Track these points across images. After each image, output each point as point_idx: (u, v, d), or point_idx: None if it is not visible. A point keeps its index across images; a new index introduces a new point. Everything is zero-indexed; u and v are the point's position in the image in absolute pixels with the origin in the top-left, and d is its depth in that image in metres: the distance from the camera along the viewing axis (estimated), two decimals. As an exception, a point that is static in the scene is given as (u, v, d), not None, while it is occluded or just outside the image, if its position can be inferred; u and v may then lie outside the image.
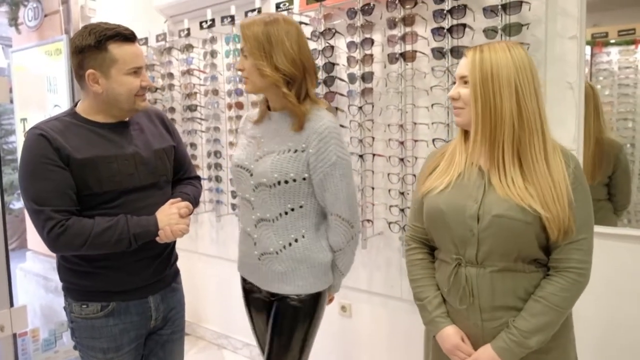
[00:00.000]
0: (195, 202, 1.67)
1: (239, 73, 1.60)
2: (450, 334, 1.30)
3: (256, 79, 1.45)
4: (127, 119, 1.56)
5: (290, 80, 1.44)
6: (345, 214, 1.50)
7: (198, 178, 1.80)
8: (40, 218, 1.36)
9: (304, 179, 1.47)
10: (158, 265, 1.58)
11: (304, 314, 1.56)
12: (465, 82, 1.25)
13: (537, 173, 1.20)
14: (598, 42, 1.88)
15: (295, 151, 1.46)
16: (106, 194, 1.44)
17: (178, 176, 1.71)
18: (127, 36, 1.44)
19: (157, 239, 1.48)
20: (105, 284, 1.49)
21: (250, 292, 1.69)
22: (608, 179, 2.00)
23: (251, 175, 1.52)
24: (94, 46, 1.40)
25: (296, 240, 1.52)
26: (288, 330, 1.55)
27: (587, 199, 1.23)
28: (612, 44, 2.75)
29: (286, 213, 1.50)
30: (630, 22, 2.88)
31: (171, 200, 1.56)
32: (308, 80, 1.48)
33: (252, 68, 1.44)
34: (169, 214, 1.50)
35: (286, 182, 1.46)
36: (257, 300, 1.67)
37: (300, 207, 1.50)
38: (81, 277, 1.49)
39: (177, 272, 1.71)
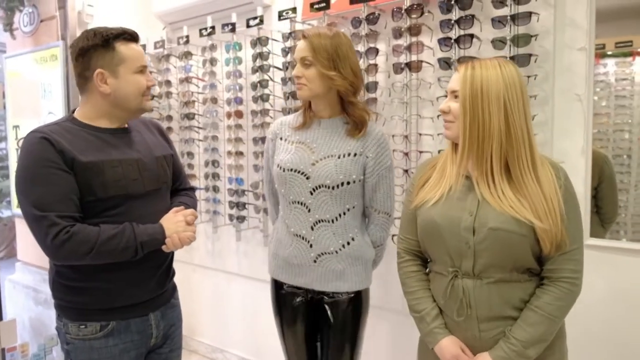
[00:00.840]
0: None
1: (294, 80, 1.64)
2: (450, 344, 1.32)
3: (317, 86, 1.55)
4: (127, 124, 1.52)
5: (354, 90, 1.58)
6: (391, 211, 1.68)
7: (193, 189, 1.77)
8: (43, 224, 1.29)
9: (360, 180, 1.59)
10: (159, 277, 1.52)
11: (362, 309, 1.67)
12: (456, 97, 1.28)
13: (526, 186, 1.23)
14: (595, 53, 1.86)
15: (355, 155, 1.58)
16: (110, 200, 1.39)
17: (174, 187, 1.67)
18: (132, 35, 1.44)
19: (164, 247, 1.44)
20: (106, 299, 1.42)
21: (287, 297, 1.69)
22: (594, 190, 1.98)
23: (308, 178, 1.58)
24: (101, 45, 1.38)
25: (353, 239, 1.62)
26: (349, 327, 1.64)
27: (576, 209, 1.27)
28: (609, 56, 2.74)
29: (344, 213, 1.60)
30: (628, 34, 2.88)
31: (175, 208, 1.52)
32: (361, 91, 1.64)
33: (315, 76, 1.54)
34: (175, 221, 1.46)
35: (348, 183, 1.57)
36: (297, 308, 1.68)
37: (354, 207, 1.62)
38: (79, 293, 1.42)
39: (175, 287, 1.67)
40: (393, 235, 2.11)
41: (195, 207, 1.67)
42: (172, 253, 1.58)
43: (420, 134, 2.05)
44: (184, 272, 3.17)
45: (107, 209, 1.39)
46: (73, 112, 1.48)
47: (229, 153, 2.74)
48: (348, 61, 1.55)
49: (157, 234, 1.42)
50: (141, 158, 1.48)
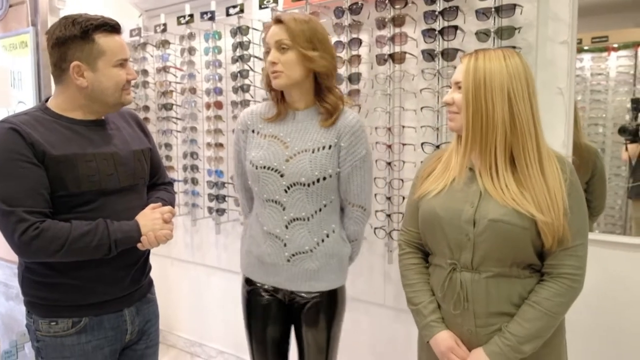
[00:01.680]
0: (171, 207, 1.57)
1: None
2: (445, 338, 1.30)
3: (295, 72, 1.45)
4: (103, 117, 1.45)
5: (330, 75, 1.49)
6: (367, 205, 1.59)
7: (171, 184, 1.71)
8: (11, 220, 1.23)
9: (337, 173, 1.52)
10: (134, 274, 1.48)
11: (338, 307, 1.61)
12: (460, 88, 1.27)
13: (531, 178, 1.21)
14: (572, 48, 1.88)
15: (330, 147, 1.49)
16: (83, 195, 1.33)
17: (152, 181, 1.62)
18: (113, 26, 1.36)
19: (139, 245, 1.38)
20: (78, 296, 1.37)
21: (257, 296, 1.62)
22: (585, 184, 2.01)
23: (282, 176, 1.50)
24: (79, 37, 1.31)
25: (327, 236, 1.55)
26: (324, 326, 1.58)
27: (582, 205, 1.24)
28: (585, 51, 2.77)
29: (320, 210, 1.52)
30: (604, 30, 2.92)
31: (152, 205, 1.46)
32: (335, 78, 1.55)
33: (293, 61, 1.43)
34: (152, 218, 1.41)
35: (324, 178, 1.49)
36: (267, 308, 1.61)
37: (331, 202, 1.55)
38: (50, 289, 1.36)
39: (151, 282, 1.62)
40: (376, 229, 2.11)
41: (173, 202, 1.62)
42: (149, 249, 1.53)
43: (403, 127, 2.04)
44: (162, 266, 3.11)
45: (80, 204, 1.34)
46: (46, 100, 1.41)
47: (209, 145, 2.68)
48: (327, 44, 1.48)
49: (132, 232, 1.37)
50: (117, 152, 1.42)
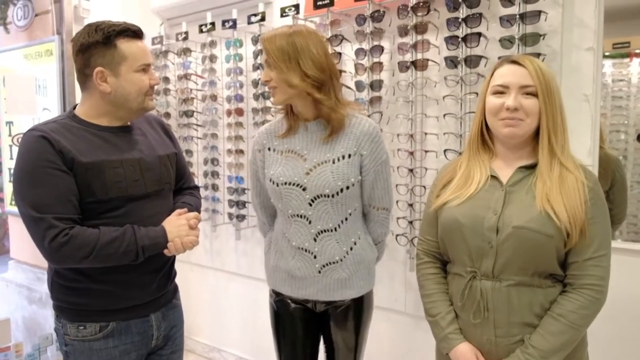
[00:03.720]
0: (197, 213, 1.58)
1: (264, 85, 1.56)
2: (465, 352, 1.28)
3: (285, 89, 1.44)
4: (129, 122, 1.48)
5: (320, 85, 1.44)
6: (390, 205, 1.61)
7: (197, 188, 1.72)
8: (41, 227, 1.26)
9: (358, 181, 1.51)
10: (161, 279, 1.49)
11: (365, 311, 1.62)
12: (527, 93, 1.22)
13: (566, 181, 1.21)
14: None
15: (350, 156, 1.48)
16: (111, 201, 1.35)
17: (178, 185, 1.63)
18: (135, 32, 1.38)
19: (166, 251, 1.40)
20: (106, 301, 1.39)
21: (285, 305, 1.63)
22: (606, 193, 1.99)
23: (304, 189, 1.49)
24: (102, 42, 1.33)
25: (355, 243, 1.55)
26: (352, 330, 1.59)
27: (605, 215, 1.23)
28: (607, 57, 2.74)
29: (346, 219, 1.53)
30: (625, 35, 2.89)
31: (178, 211, 1.48)
32: (336, 85, 1.50)
33: (278, 79, 1.44)
34: (178, 225, 1.42)
35: (347, 187, 1.48)
36: (298, 314, 1.62)
37: (355, 210, 1.55)
38: (79, 294, 1.38)
39: (176, 288, 1.63)
40: (398, 236, 2.10)
41: (199, 207, 1.63)
42: (174, 255, 1.55)
43: (425, 133, 2.03)
44: (182, 271, 3.09)
45: (108, 210, 1.35)
46: (74, 108, 1.44)
47: (229, 151, 2.70)
48: (308, 54, 1.41)
49: (159, 238, 1.38)
50: (143, 158, 1.43)
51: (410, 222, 2.07)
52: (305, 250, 1.53)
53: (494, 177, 1.28)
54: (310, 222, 1.51)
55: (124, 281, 1.39)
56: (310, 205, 1.49)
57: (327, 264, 1.52)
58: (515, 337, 1.22)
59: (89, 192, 1.32)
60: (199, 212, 1.62)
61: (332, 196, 1.48)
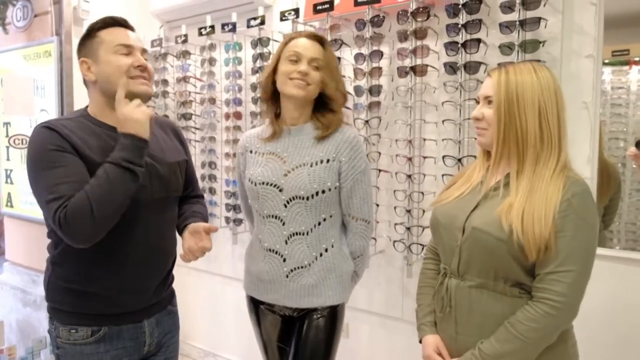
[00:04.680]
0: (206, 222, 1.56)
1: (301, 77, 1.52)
2: (428, 343, 1.33)
3: (315, 89, 1.52)
4: None
5: (338, 100, 1.57)
6: (369, 217, 1.60)
7: (203, 197, 1.71)
8: (49, 206, 1.22)
9: (336, 187, 1.53)
10: (158, 287, 1.47)
11: (336, 326, 1.60)
12: (489, 102, 1.24)
13: (537, 191, 1.17)
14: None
15: (328, 161, 1.52)
16: None
17: (185, 193, 1.60)
18: (117, 20, 1.37)
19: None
20: (100, 306, 1.37)
21: (260, 314, 1.66)
22: (609, 201, 1.98)
23: (281, 190, 1.52)
24: (86, 36, 1.36)
25: (326, 250, 1.55)
26: (321, 344, 1.57)
27: (579, 229, 1.14)
28: (606, 64, 2.73)
29: (319, 224, 1.53)
30: (624, 43, 2.88)
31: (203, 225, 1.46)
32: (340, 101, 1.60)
33: (317, 80, 1.51)
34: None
35: (323, 191, 1.50)
36: (271, 324, 1.65)
37: (331, 216, 1.55)
38: (74, 296, 1.36)
39: (173, 294, 1.61)
40: (395, 242, 2.09)
41: (207, 217, 1.61)
42: (173, 262, 1.53)
43: (424, 139, 2.03)
44: (178, 275, 3.06)
45: None
46: (87, 107, 1.42)
47: (227, 155, 2.69)
48: (339, 72, 1.59)
49: (134, 140, 1.27)
50: (153, 164, 1.39)
51: (408, 229, 2.05)
52: (276, 253, 1.54)
53: (481, 183, 1.30)
54: (283, 224, 1.53)
55: (120, 287, 1.37)
56: (285, 206, 1.51)
57: (295, 268, 1.53)
58: (474, 337, 1.23)
59: None
60: (207, 220, 1.59)
61: (307, 198, 1.50)
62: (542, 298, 1.15)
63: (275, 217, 1.53)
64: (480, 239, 1.20)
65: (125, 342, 1.41)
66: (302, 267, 1.53)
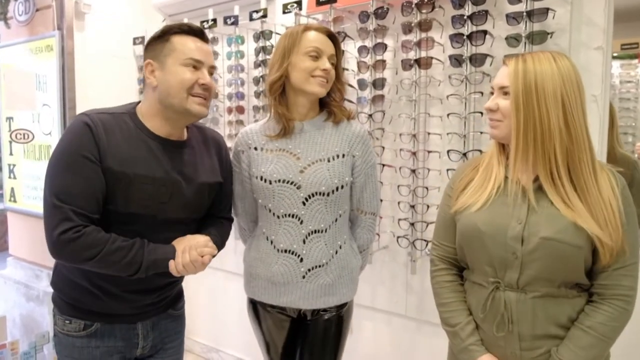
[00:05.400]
0: (220, 245, 1.48)
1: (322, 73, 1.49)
2: None
3: (329, 85, 1.50)
4: (185, 137, 1.40)
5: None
6: (377, 211, 1.62)
7: (230, 220, 1.60)
8: (56, 216, 1.20)
9: (351, 182, 1.52)
10: (154, 299, 1.43)
11: (345, 321, 1.60)
12: (505, 93, 1.17)
13: (589, 191, 1.12)
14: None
15: (344, 156, 1.50)
16: (129, 216, 1.29)
17: (213, 212, 1.52)
18: (193, 30, 1.32)
19: (171, 267, 1.32)
20: (93, 303, 1.35)
21: (268, 317, 1.59)
22: None
23: (298, 188, 1.46)
24: (158, 37, 1.31)
25: (340, 247, 1.53)
26: (331, 340, 1.56)
27: (635, 221, 1.15)
28: (615, 57, 2.68)
29: (336, 220, 1.51)
30: (634, 36, 2.82)
31: (198, 236, 1.38)
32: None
33: (333, 76, 1.49)
34: (191, 245, 1.32)
35: (342, 187, 1.48)
36: (278, 328, 1.59)
37: (344, 212, 1.54)
38: (73, 288, 1.36)
39: (177, 298, 1.54)
40: (399, 237, 2.06)
41: (224, 241, 1.52)
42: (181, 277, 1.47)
43: (428, 133, 1.99)
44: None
45: (124, 222, 1.29)
46: (138, 103, 1.39)
47: (230, 149, 2.66)
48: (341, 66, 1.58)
49: (167, 254, 1.29)
50: (180, 182, 1.34)
51: (412, 224, 2.02)
52: (292, 253, 1.49)
53: (517, 182, 1.19)
54: (302, 222, 1.48)
55: (112, 292, 1.34)
56: (304, 204, 1.46)
57: (312, 268, 1.49)
58: (540, 349, 1.16)
59: (111, 198, 1.26)
60: (224, 244, 1.53)
61: (328, 194, 1.46)
62: (616, 295, 1.13)
63: (293, 216, 1.47)
64: (556, 248, 1.12)
65: (117, 340, 1.38)
66: (319, 266, 1.49)
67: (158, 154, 1.32)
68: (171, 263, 1.30)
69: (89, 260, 1.22)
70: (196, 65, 1.30)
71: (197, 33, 1.33)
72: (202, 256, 1.32)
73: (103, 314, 1.36)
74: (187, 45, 1.30)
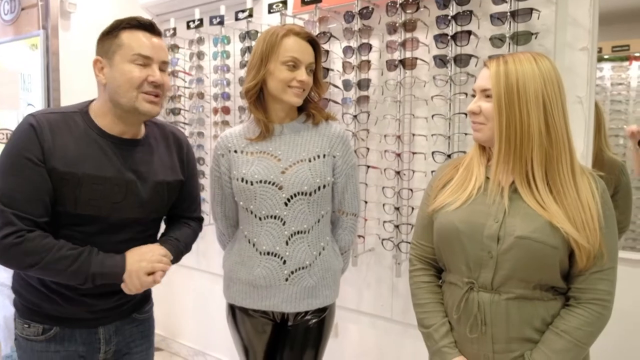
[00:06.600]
0: (184, 250, 1.46)
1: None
2: None
3: (306, 93, 1.50)
4: (140, 135, 1.35)
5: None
6: (358, 212, 1.62)
7: (199, 220, 1.57)
8: None
9: (333, 182, 1.52)
10: (117, 300, 1.38)
11: (327, 324, 1.58)
12: (487, 96, 1.16)
13: (566, 195, 1.11)
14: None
15: (325, 156, 1.50)
16: (80, 217, 1.25)
17: (175, 212, 1.49)
18: (143, 24, 1.27)
19: (122, 286, 1.28)
20: (50, 307, 1.31)
21: (247, 322, 1.57)
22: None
23: (280, 188, 1.45)
24: (107, 33, 1.26)
25: (323, 248, 1.52)
26: (312, 343, 1.54)
27: (614, 225, 1.14)
28: (606, 60, 2.67)
29: (319, 221, 1.50)
30: (625, 38, 2.81)
31: (154, 246, 1.35)
32: None
33: (309, 84, 1.48)
34: (143, 259, 1.28)
35: (324, 186, 1.48)
36: (261, 326, 1.56)
37: (327, 212, 1.53)
38: (28, 291, 1.31)
39: (143, 302, 1.48)
40: (384, 240, 2.03)
41: (191, 243, 1.50)
42: None
43: (413, 135, 1.97)
44: (167, 273, 3.06)
45: (76, 223, 1.25)
46: (92, 101, 1.34)
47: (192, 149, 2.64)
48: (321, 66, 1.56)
49: (115, 268, 1.25)
50: (134, 180, 1.30)
51: (397, 226, 2.00)
52: (275, 255, 1.46)
53: (498, 185, 1.18)
54: (284, 223, 1.46)
55: (69, 297, 1.30)
56: (286, 204, 1.45)
57: (295, 270, 1.47)
58: (514, 352, 1.15)
59: (60, 199, 1.23)
60: (189, 247, 1.50)
61: (310, 194, 1.45)
62: (594, 299, 1.12)
63: (275, 217, 1.46)
64: (530, 248, 1.10)
65: (78, 345, 1.34)
66: (303, 268, 1.47)
67: (109, 153, 1.28)
68: (123, 285, 1.27)
69: (32, 267, 1.19)
70: (145, 61, 1.25)
71: (147, 27, 1.28)
72: (152, 272, 1.29)
73: (62, 318, 1.32)
74: (135, 40, 1.25)
